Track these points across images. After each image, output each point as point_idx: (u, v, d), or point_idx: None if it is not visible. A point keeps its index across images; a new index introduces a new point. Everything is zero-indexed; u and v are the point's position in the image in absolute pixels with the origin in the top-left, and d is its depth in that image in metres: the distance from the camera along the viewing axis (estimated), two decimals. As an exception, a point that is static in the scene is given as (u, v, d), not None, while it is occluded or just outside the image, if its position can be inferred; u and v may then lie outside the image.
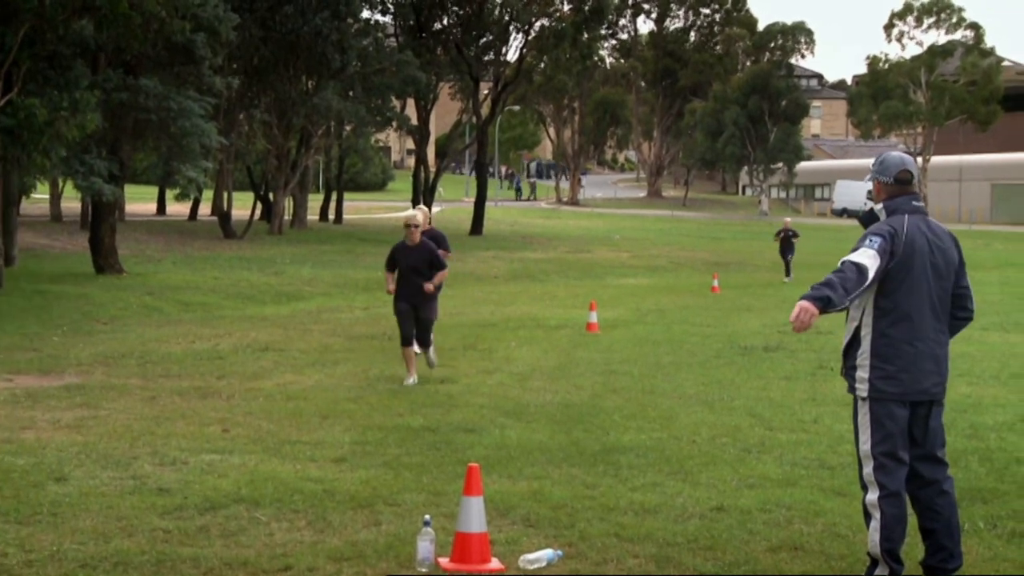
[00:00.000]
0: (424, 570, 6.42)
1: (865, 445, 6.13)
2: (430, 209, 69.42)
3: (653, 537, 7.07)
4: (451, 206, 66.09)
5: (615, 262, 42.74)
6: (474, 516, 6.46)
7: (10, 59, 22.96)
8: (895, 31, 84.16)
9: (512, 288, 31.55)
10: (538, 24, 54.97)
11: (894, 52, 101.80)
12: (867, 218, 6.29)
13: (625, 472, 8.84)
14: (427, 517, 6.60)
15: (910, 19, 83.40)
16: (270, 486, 8.17)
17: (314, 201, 58.90)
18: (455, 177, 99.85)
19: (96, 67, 27.68)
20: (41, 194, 47.54)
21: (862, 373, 6.13)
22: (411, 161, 78.01)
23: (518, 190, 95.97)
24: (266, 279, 30.30)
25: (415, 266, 13.33)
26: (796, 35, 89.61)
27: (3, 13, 22.70)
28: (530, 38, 55.48)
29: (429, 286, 13.19)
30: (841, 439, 10.04)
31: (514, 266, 39.14)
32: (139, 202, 58.43)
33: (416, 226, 13.41)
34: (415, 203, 56.28)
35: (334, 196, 58.14)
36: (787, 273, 35.13)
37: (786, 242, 34.94)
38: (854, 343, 6.20)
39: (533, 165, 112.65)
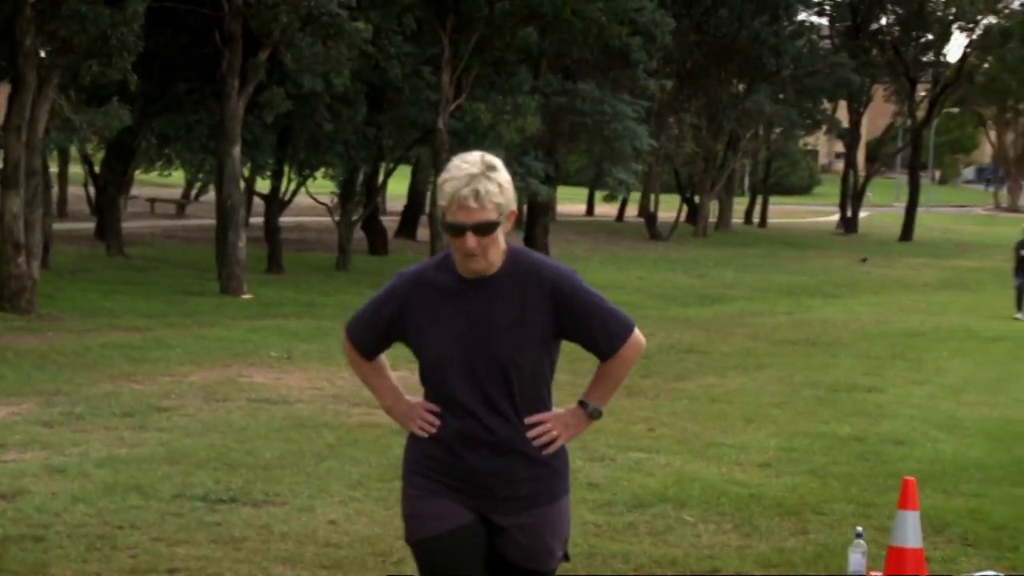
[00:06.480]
0: (855, 583, 6.30)
1: None
2: (855, 213, 66.23)
3: (1105, 571, 6.60)
4: (880, 211, 64.08)
5: (1060, 274, 39.93)
6: (910, 531, 6.27)
7: (462, 66, 24.44)
8: None
9: (943, 297, 30.24)
10: (984, 21, 52.37)
11: None
12: None
13: (1074, 498, 8.29)
14: (859, 529, 6.46)
15: None
16: (696, 487, 8.23)
17: (739, 204, 58.84)
18: (883, 181, 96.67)
19: (537, 72, 28.99)
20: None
21: None
22: (839, 165, 76.24)
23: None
24: (689, 281, 30.57)
25: (488, 356, 3.63)
26: None
27: (458, 23, 24.21)
28: (974, 37, 52.90)
29: (547, 431, 3.65)
30: None
31: (945, 274, 37.51)
32: (568, 203, 60.44)
33: (484, 227, 3.63)
34: (843, 209, 54.99)
35: (759, 199, 57.86)
36: (1018, 306, 23.47)
37: None
38: None
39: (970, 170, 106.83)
